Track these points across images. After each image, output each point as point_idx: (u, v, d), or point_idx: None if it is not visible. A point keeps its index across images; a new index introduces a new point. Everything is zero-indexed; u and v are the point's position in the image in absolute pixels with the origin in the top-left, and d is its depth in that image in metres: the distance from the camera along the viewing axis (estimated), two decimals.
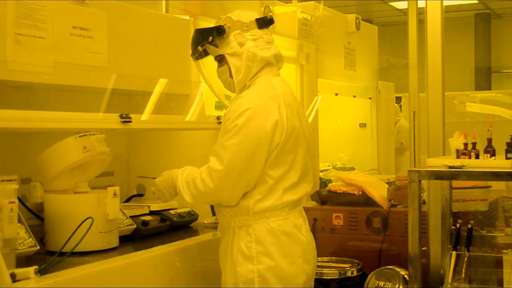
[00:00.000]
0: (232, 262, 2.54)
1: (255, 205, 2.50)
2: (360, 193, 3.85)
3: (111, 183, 2.76)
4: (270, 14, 4.66)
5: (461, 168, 2.91)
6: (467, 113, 6.64)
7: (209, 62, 2.75)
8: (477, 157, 3.08)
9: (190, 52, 2.69)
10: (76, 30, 2.72)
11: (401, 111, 7.97)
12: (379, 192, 3.81)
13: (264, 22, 2.63)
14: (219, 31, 2.58)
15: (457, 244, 3.27)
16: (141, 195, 3.43)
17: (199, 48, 2.62)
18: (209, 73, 2.79)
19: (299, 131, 2.58)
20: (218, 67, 2.67)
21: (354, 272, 3.47)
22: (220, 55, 2.62)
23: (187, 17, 3.60)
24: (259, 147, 2.46)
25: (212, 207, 3.18)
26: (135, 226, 2.88)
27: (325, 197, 4.00)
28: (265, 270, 2.49)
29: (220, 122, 3.24)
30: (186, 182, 2.57)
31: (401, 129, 7.86)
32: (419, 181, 2.96)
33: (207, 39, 2.60)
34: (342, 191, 3.94)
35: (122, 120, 2.68)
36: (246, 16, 2.62)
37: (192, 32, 2.74)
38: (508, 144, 3.05)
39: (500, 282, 3.25)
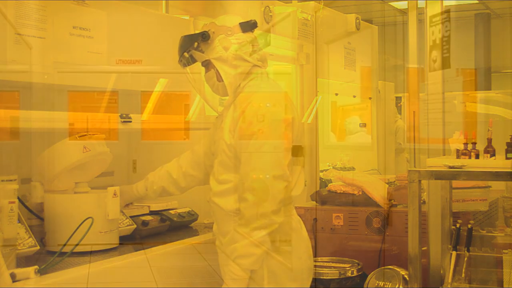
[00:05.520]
0: None
1: None
2: (360, 193, 3.85)
3: (111, 183, 2.76)
4: (271, 14, 4.66)
5: (461, 168, 2.91)
6: (467, 113, 6.63)
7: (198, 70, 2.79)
8: (477, 157, 3.07)
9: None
10: (76, 30, 2.72)
11: (401, 111, 7.96)
12: (379, 192, 3.80)
13: (249, 26, 2.66)
14: (203, 37, 2.62)
15: (457, 244, 3.26)
16: None
17: (185, 54, 2.65)
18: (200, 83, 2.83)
19: (301, 128, 2.63)
20: (206, 71, 2.70)
21: (354, 272, 3.46)
22: (206, 60, 2.65)
23: (187, 17, 3.60)
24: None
25: None
26: (135, 226, 2.88)
27: (325, 197, 3.99)
28: (274, 266, 2.50)
29: None
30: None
31: (399, 129, 7.85)
32: (419, 181, 2.96)
33: (192, 45, 2.63)
34: (342, 191, 3.94)
35: (122, 120, 2.69)
36: (230, 20, 2.66)
37: (192, 32, 2.75)
38: (508, 144, 3.05)
39: (500, 282, 3.25)
